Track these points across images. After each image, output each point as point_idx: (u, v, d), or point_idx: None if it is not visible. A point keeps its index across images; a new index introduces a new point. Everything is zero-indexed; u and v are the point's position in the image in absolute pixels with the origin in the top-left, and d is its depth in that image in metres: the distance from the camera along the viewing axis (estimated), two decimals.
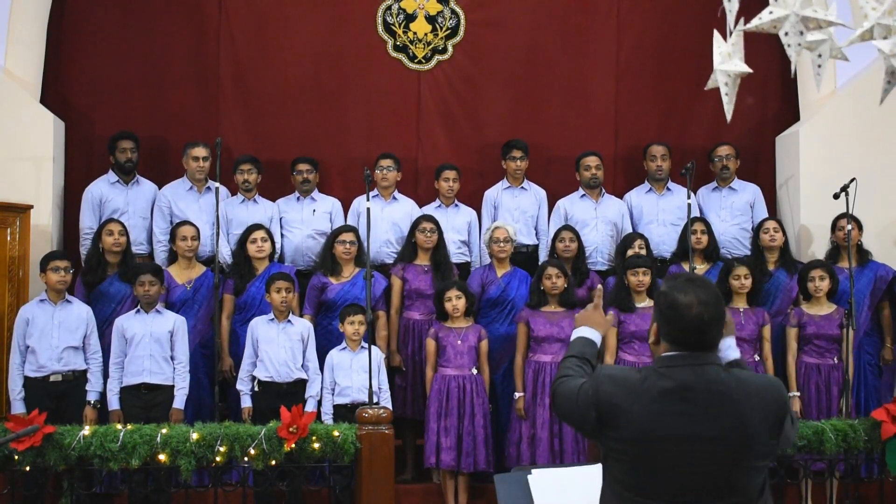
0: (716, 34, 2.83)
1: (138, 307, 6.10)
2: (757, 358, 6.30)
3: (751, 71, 2.78)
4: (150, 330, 6.00)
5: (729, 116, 2.83)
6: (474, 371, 6.15)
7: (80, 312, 6.07)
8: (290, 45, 7.63)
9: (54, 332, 5.95)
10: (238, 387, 6.11)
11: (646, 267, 6.24)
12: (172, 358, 6.04)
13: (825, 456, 5.75)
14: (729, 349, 2.80)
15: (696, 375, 2.54)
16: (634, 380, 2.59)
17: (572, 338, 2.98)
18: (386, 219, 7.07)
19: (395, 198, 7.18)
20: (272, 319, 6.13)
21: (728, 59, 2.76)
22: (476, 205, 7.34)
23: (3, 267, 6.28)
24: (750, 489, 2.54)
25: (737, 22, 2.72)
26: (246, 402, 6.05)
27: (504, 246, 6.60)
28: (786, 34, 2.64)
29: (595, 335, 2.94)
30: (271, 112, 7.61)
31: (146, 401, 5.96)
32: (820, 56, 2.71)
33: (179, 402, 6.02)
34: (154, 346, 5.99)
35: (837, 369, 6.32)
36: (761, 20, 2.67)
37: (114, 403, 5.95)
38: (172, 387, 6.01)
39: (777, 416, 2.58)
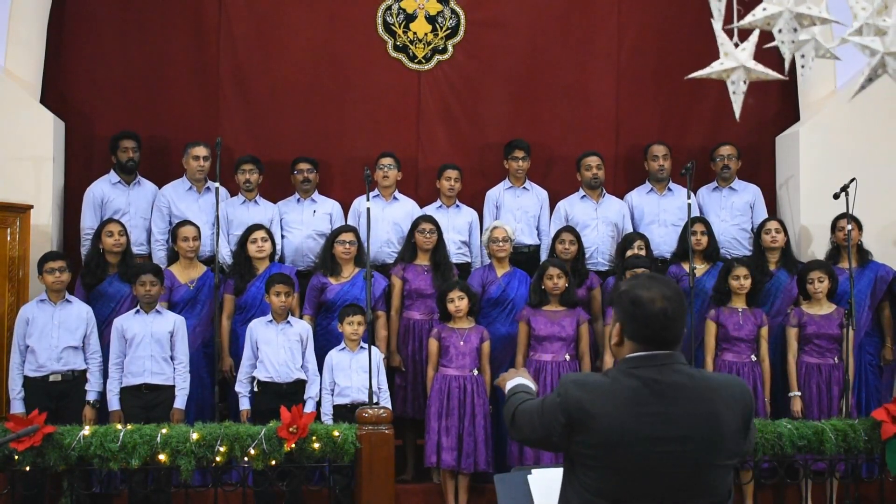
0: (717, 28, 2.84)
1: (138, 307, 6.10)
2: (754, 358, 6.30)
3: (751, 65, 2.78)
4: (150, 330, 6.00)
5: (738, 114, 2.83)
6: (475, 372, 6.15)
7: (80, 312, 6.07)
8: (290, 45, 7.63)
9: (54, 332, 5.95)
10: (237, 389, 6.11)
11: (644, 267, 6.24)
12: (173, 358, 6.04)
13: (825, 456, 5.75)
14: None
15: (665, 375, 2.51)
16: (602, 383, 2.55)
17: (509, 387, 2.98)
18: (387, 219, 7.06)
19: (395, 198, 7.18)
20: (271, 321, 6.13)
21: (748, 59, 2.77)
22: (477, 205, 7.33)
23: (3, 267, 6.28)
24: (722, 488, 2.53)
25: (727, 19, 2.73)
26: (244, 405, 6.04)
27: (503, 245, 6.60)
28: (780, 31, 2.64)
29: (531, 384, 2.99)
30: (271, 112, 7.61)
31: (147, 401, 5.96)
32: (803, 56, 2.70)
33: (180, 402, 6.02)
34: (155, 347, 5.99)
35: (838, 369, 6.31)
36: (755, 17, 2.67)
37: (114, 404, 5.95)
38: (173, 387, 6.02)
39: (746, 414, 2.57)
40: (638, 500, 2.47)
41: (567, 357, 6.21)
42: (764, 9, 2.64)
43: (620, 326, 2.59)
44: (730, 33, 2.82)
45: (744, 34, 2.79)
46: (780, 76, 2.80)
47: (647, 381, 2.50)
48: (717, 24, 2.76)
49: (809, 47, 2.69)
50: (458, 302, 6.15)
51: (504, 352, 6.47)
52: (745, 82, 2.80)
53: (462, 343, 6.15)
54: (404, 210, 7.14)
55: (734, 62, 2.73)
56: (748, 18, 2.67)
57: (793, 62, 2.74)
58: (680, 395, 2.50)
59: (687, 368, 2.56)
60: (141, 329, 5.99)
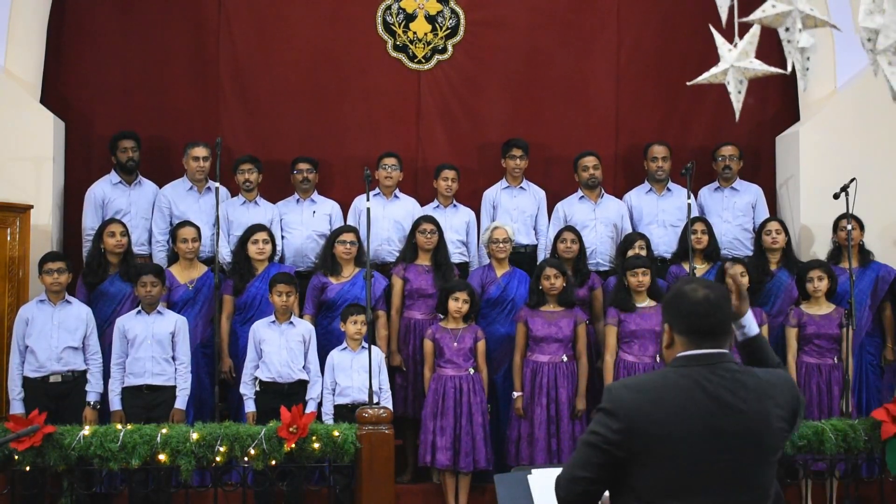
0: (714, 32, 2.85)
1: (139, 308, 6.10)
2: None
3: (744, 63, 2.78)
4: (151, 331, 6.00)
5: (738, 115, 2.84)
6: (472, 371, 6.15)
7: (79, 313, 6.07)
8: (290, 45, 7.63)
9: (53, 333, 5.95)
10: (242, 391, 6.10)
11: (645, 267, 6.24)
12: (174, 358, 6.04)
13: (825, 456, 5.75)
14: (750, 324, 2.86)
15: (713, 372, 2.55)
16: (652, 380, 2.60)
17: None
18: (388, 217, 7.06)
19: (396, 196, 7.17)
20: (273, 321, 6.13)
21: (744, 57, 2.77)
22: (475, 205, 7.33)
23: (3, 267, 6.27)
24: (769, 483, 2.58)
25: (730, 16, 2.72)
26: (250, 407, 6.03)
27: (503, 246, 6.60)
28: (786, 30, 2.64)
29: None
30: (271, 112, 7.61)
31: (148, 401, 5.97)
32: (809, 59, 2.71)
33: (181, 402, 6.02)
34: (156, 348, 5.99)
35: (837, 369, 6.31)
36: (765, 13, 2.66)
37: (115, 404, 5.96)
38: (174, 387, 6.02)
39: (793, 411, 2.62)
40: (688, 497, 2.50)
41: (564, 358, 6.20)
42: (774, 6, 2.62)
43: (669, 326, 2.65)
44: (730, 32, 2.82)
45: (741, 33, 2.79)
46: (779, 70, 2.80)
47: (698, 378, 2.54)
48: (716, 31, 2.77)
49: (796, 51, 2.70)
50: (462, 304, 6.16)
51: (503, 352, 6.48)
52: (742, 82, 2.80)
53: (455, 344, 6.15)
54: (405, 209, 7.14)
55: (727, 64, 2.76)
56: (757, 14, 2.66)
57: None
58: (729, 390, 2.54)
59: (737, 366, 2.60)
60: (143, 330, 5.99)
